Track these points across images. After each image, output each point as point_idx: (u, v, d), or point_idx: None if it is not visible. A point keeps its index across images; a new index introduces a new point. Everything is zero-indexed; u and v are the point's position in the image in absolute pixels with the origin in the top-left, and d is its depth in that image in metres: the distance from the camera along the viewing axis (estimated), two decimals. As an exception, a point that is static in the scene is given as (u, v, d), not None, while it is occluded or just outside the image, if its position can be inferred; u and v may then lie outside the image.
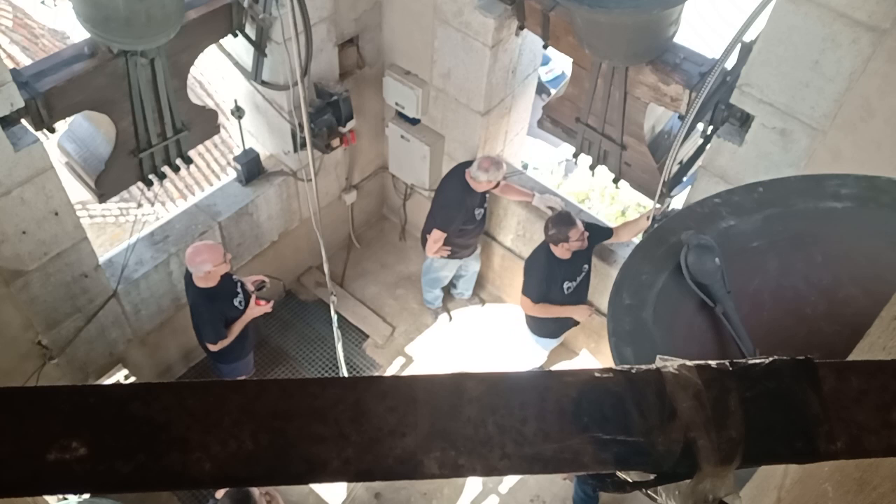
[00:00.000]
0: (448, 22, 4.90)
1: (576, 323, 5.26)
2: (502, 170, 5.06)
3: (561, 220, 4.72)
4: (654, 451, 0.70)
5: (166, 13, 3.74)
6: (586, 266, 5.00)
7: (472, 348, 6.02)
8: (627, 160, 4.70)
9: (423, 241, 5.61)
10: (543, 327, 5.24)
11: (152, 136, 4.39)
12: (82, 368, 4.93)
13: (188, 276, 4.55)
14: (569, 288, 4.93)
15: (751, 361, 0.74)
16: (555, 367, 5.54)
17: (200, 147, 7.06)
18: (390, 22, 5.35)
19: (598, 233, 5.01)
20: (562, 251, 4.77)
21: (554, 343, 5.47)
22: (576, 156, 5.02)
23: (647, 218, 4.78)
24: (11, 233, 3.98)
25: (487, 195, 5.35)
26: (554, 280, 4.88)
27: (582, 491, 5.03)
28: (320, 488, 5.32)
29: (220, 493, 4.25)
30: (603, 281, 5.36)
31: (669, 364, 0.74)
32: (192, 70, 4.60)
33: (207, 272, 4.39)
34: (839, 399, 0.72)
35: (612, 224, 5.38)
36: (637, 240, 5.12)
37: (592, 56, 4.31)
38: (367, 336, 6.17)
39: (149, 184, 4.62)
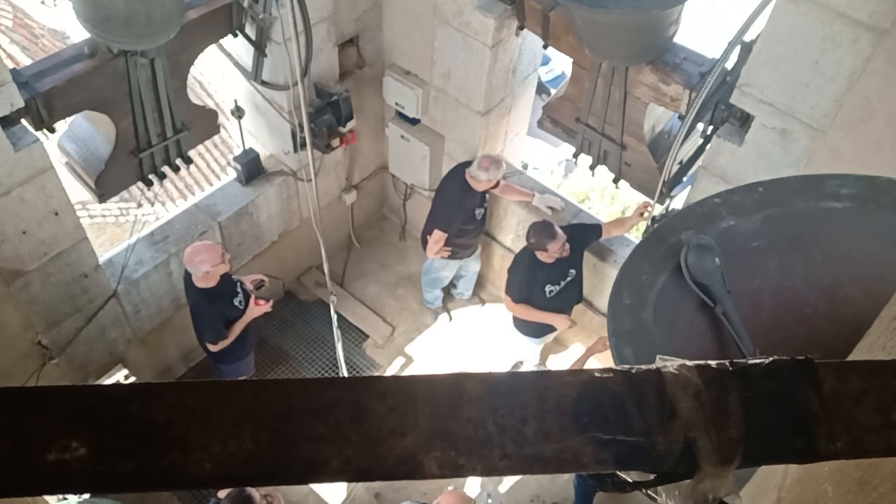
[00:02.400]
0: (448, 22, 4.91)
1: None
2: (502, 169, 5.06)
3: (542, 231, 4.72)
4: (654, 451, 0.70)
5: (166, 13, 3.74)
6: (573, 270, 5.00)
7: (472, 348, 6.02)
8: (627, 160, 4.70)
9: (424, 242, 5.62)
10: (525, 326, 5.27)
11: (152, 136, 4.39)
12: (82, 368, 4.93)
13: (188, 277, 4.55)
14: (551, 291, 4.94)
15: (751, 361, 0.74)
16: (554, 367, 5.54)
17: (200, 147, 7.06)
18: (390, 22, 5.35)
19: (587, 233, 5.02)
20: (544, 256, 4.79)
21: (537, 343, 5.48)
22: (576, 156, 5.02)
23: (643, 214, 4.79)
24: (11, 233, 3.98)
25: (487, 195, 5.35)
26: (535, 282, 4.91)
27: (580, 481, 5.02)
28: (320, 488, 5.32)
29: (222, 493, 4.25)
30: (603, 281, 5.37)
31: (669, 364, 0.74)
32: (192, 70, 4.60)
33: (206, 272, 4.39)
34: (839, 399, 0.72)
35: (605, 220, 5.40)
36: (637, 239, 5.12)
37: (592, 56, 4.31)
38: (367, 336, 6.17)
39: (149, 184, 4.62)
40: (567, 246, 4.76)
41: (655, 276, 1.77)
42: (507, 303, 5.10)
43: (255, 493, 4.00)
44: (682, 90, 4.12)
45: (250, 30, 4.58)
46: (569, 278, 4.98)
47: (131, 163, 4.42)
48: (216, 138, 6.76)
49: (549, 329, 5.24)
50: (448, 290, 6.28)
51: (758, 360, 0.74)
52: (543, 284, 4.90)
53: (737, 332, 1.74)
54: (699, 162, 4.33)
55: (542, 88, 12.08)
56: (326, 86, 5.15)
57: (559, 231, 4.73)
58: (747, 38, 3.62)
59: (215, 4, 4.26)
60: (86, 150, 4.36)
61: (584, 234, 4.98)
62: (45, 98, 3.77)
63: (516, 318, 5.23)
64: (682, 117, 4.20)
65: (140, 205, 8.04)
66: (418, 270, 6.14)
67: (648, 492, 0.84)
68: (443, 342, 6.16)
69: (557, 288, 4.94)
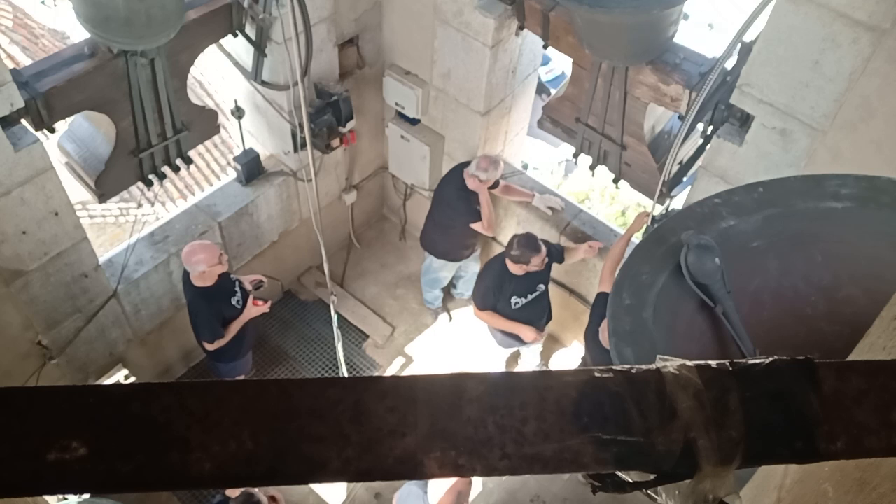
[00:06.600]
0: (448, 22, 4.91)
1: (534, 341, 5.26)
2: (500, 168, 5.08)
3: (528, 245, 4.72)
4: (654, 451, 0.70)
5: (166, 13, 3.74)
6: (542, 286, 5.02)
7: (472, 348, 6.02)
8: (627, 160, 4.70)
9: (423, 243, 5.63)
10: (493, 331, 5.30)
11: (152, 136, 4.39)
12: (82, 368, 4.93)
13: (186, 275, 4.56)
14: (517, 304, 4.96)
15: (751, 361, 0.74)
16: (554, 367, 5.53)
17: (200, 147, 7.06)
18: (390, 22, 5.35)
19: (553, 253, 5.04)
20: (516, 268, 4.80)
21: (504, 351, 5.46)
22: (576, 156, 5.02)
23: (591, 246, 4.96)
24: (11, 233, 3.98)
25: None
26: (502, 293, 4.93)
27: None
28: (320, 488, 5.32)
29: (231, 493, 4.21)
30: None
31: (669, 364, 0.74)
32: (192, 70, 4.60)
33: (202, 272, 4.40)
34: (839, 399, 0.72)
35: (605, 220, 5.42)
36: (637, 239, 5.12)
37: (592, 56, 4.31)
38: (367, 336, 6.16)
39: (149, 184, 4.62)
40: (546, 260, 4.79)
41: (655, 276, 1.77)
42: (473, 308, 5.18)
43: (262, 497, 4.00)
44: (682, 90, 4.12)
45: (250, 30, 4.58)
46: (537, 293, 5.01)
47: (131, 163, 4.42)
48: (216, 138, 6.76)
49: (514, 340, 5.24)
50: (448, 290, 6.28)
51: (758, 360, 0.74)
52: (510, 296, 4.93)
53: (737, 332, 1.74)
54: (699, 162, 4.33)
55: (542, 88, 12.08)
56: (326, 86, 5.15)
57: (542, 245, 4.74)
58: (747, 38, 3.62)
59: (215, 4, 4.26)
60: (86, 150, 4.36)
61: (552, 254, 5.00)
62: (45, 98, 3.77)
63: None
64: (682, 117, 4.19)
65: (140, 205, 8.04)
66: (418, 270, 6.14)
67: (648, 492, 0.84)
68: (443, 342, 6.16)
69: (524, 301, 4.97)
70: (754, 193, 1.83)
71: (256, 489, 4.01)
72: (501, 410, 0.69)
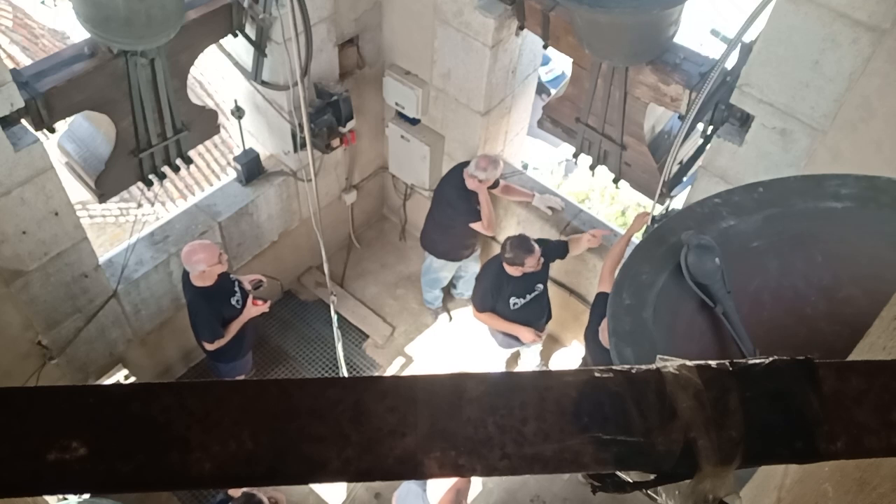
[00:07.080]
0: (448, 22, 4.91)
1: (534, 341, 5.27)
2: (499, 168, 5.08)
3: (520, 246, 4.73)
4: (654, 451, 0.70)
5: (166, 13, 3.74)
6: (541, 285, 5.03)
7: (472, 348, 6.02)
8: (627, 160, 4.69)
9: (423, 243, 5.61)
10: (493, 332, 5.30)
11: (152, 136, 4.39)
12: (82, 368, 4.93)
13: (185, 275, 4.56)
14: (515, 304, 4.97)
15: (751, 361, 0.74)
16: (554, 367, 5.52)
17: (200, 147, 7.06)
18: (390, 22, 5.35)
19: (554, 250, 5.04)
20: (512, 269, 4.82)
21: (504, 352, 5.47)
22: (576, 156, 5.02)
23: (594, 236, 4.93)
24: (11, 233, 3.98)
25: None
26: (500, 294, 4.94)
27: None
28: (320, 488, 5.32)
29: (232, 492, 4.21)
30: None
31: (669, 364, 0.74)
32: (192, 70, 4.60)
33: (202, 272, 4.40)
34: (839, 399, 0.72)
35: (605, 221, 5.41)
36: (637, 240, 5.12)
37: (592, 56, 4.31)
38: (367, 336, 6.16)
39: (149, 184, 4.62)
40: (541, 260, 4.79)
41: (655, 276, 1.77)
42: (472, 310, 5.19)
43: (263, 497, 4.00)
44: (682, 90, 4.12)
45: (250, 30, 4.58)
46: (535, 292, 5.01)
47: (131, 163, 4.42)
48: (216, 138, 6.76)
49: (514, 340, 5.25)
50: (448, 290, 6.28)
51: (758, 360, 0.74)
52: (508, 297, 4.94)
53: (737, 332, 1.74)
54: (699, 162, 4.33)
55: (542, 88, 12.08)
56: (326, 86, 5.15)
57: (536, 246, 4.74)
58: (747, 38, 3.62)
59: (215, 4, 4.26)
60: (86, 150, 4.36)
61: (552, 251, 5.00)
62: (45, 98, 3.77)
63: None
64: (682, 117, 4.19)
65: (140, 205, 8.04)
66: (418, 270, 6.14)
67: (648, 492, 0.84)
68: (443, 342, 6.16)
69: (522, 301, 4.98)
70: (754, 193, 1.83)
71: (257, 490, 4.01)
72: (501, 410, 0.69)
